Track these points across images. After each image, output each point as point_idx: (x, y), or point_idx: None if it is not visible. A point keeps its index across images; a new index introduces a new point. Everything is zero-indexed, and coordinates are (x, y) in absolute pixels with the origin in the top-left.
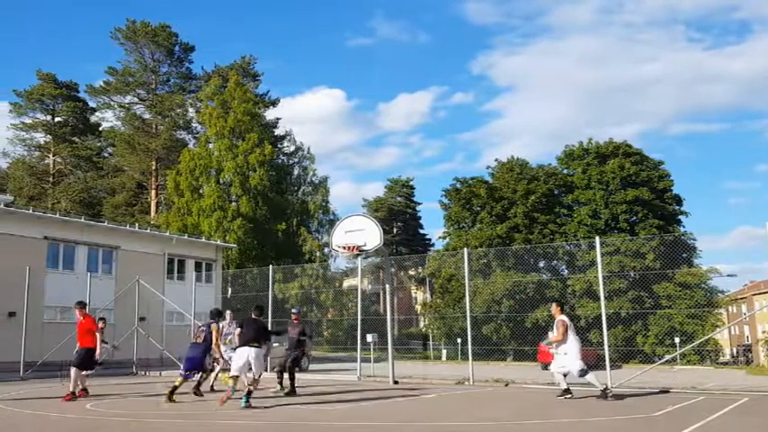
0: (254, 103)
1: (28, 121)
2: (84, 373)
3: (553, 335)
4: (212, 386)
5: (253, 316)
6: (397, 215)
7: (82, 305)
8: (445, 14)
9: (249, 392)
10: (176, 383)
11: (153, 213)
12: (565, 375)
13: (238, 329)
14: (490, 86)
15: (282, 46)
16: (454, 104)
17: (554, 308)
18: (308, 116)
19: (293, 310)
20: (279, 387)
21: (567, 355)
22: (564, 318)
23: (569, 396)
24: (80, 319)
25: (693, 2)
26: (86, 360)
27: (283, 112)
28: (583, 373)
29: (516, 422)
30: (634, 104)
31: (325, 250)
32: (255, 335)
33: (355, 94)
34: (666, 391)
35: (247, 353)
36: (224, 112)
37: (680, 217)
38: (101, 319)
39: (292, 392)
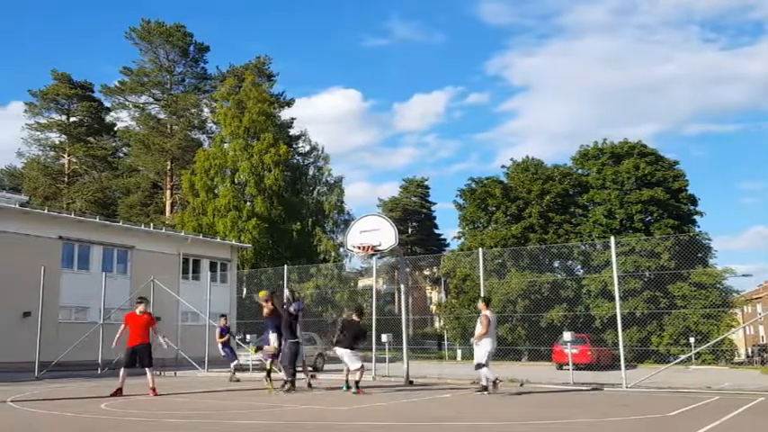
0: (269, 103)
1: (43, 121)
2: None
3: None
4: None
5: (354, 317)
6: (412, 215)
7: (145, 300)
8: (460, 15)
9: (355, 382)
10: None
11: (168, 213)
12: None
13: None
14: (505, 87)
15: (298, 47)
16: (470, 105)
17: (480, 303)
18: (323, 116)
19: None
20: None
21: (477, 347)
22: (488, 313)
23: (500, 382)
24: (141, 314)
25: (708, 2)
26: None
27: (299, 112)
28: (478, 366)
29: (531, 422)
30: (649, 105)
31: (340, 250)
32: (351, 342)
33: (371, 95)
34: (681, 391)
35: (341, 353)
36: (239, 112)
37: (695, 217)
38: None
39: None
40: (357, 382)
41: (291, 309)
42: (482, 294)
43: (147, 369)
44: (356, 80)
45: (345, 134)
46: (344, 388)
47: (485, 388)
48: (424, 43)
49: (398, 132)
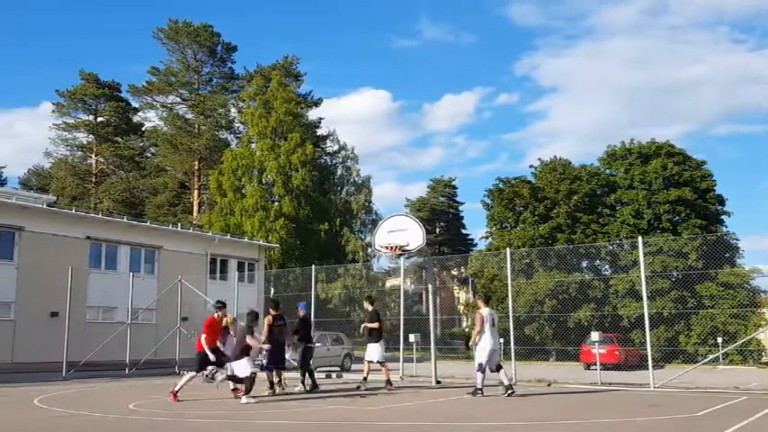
0: (297, 103)
1: (70, 121)
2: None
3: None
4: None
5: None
6: (440, 215)
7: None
8: (489, 16)
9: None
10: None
11: (195, 213)
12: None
13: None
14: (534, 87)
15: (328, 47)
16: (499, 105)
17: (478, 300)
18: (353, 117)
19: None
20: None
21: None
22: (482, 311)
23: (479, 394)
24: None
25: (737, 3)
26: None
27: (329, 112)
28: (479, 367)
29: (559, 422)
30: (677, 106)
31: (368, 250)
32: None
33: (401, 95)
34: (709, 391)
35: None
36: (266, 112)
37: (722, 217)
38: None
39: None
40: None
41: (301, 313)
42: (509, 294)
43: (187, 372)
44: (386, 81)
45: (375, 134)
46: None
47: (475, 392)
48: (454, 44)
49: (428, 133)
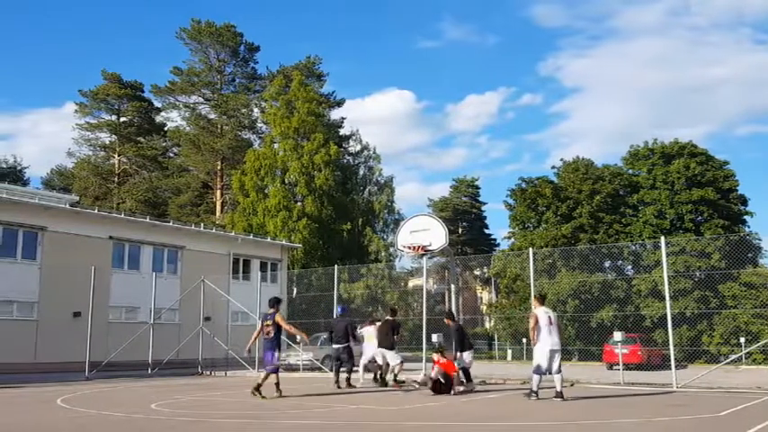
0: (319, 103)
1: (93, 121)
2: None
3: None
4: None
5: (388, 317)
6: (463, 215)
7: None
8: (513, 17)
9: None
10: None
11: (218, 213)
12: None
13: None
14: (558, 88)
15: (352, 49)
16: (522, 106)
17: (533, 300)
18: (377, 117)
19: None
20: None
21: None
22: (537, 310)
23: (534, 397)
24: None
25: (760, 4)
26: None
27: (354, 113)
28: (537, 369)
29: (582, 422)
30: (700, 106)
31: (391, 250)
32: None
33: (425, 96)
34: (731, 391)
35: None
36: (288, 112)
37: (745, 217)
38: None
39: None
40: (396, 376)
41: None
42: (532, 294)
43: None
44: (410, 81)
45: (399, 135)
46: (392, 379)
47: (530, 394)
48: (477, 45)
49: (451, 133)
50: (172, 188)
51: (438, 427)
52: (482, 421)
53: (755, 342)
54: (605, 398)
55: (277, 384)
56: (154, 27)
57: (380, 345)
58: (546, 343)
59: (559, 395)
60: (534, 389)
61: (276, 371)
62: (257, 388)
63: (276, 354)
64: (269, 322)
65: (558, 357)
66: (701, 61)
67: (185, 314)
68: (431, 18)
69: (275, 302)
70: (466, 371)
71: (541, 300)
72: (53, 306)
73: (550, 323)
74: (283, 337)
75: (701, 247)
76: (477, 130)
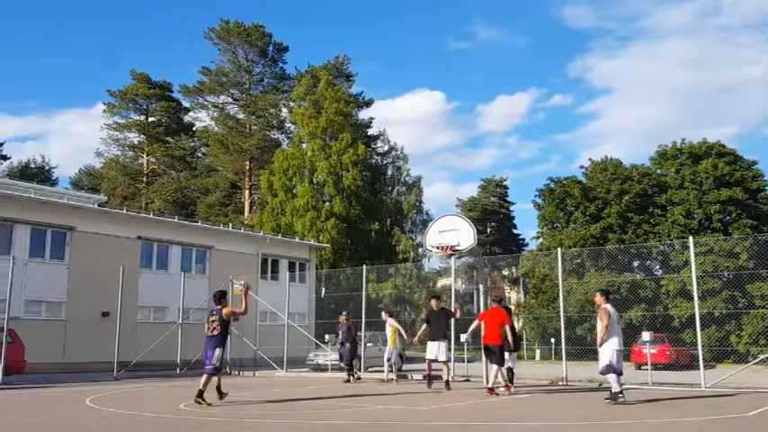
0: (347, 103)
1: (122, 121)
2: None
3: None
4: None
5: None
6: (491, 215)
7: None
8: (543, 18)
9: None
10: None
11: (247, 213)
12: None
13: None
14: (587, 89)
15: (383, 50)
16: (552, 106)
17: (598, 296)
18: (408, 117)
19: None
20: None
21: (602, 347)
22: (608, 306)
23: (621, 398)
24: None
25: None
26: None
27: (383, 113)
28: (607, 370)
29: (611, 422)
30: (729, 107)
31: (419, 250)
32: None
33: (455, 96)
34: (760, 391)
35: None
36: (316, 112)
37: None
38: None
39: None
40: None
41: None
42: (560, 294)
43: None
44: (441, 82)
45: (430, 135)
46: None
47: (616, 396)
48: (508, 46)
49: (481, 133)
50: (200, 188)
51: (462, 426)
52: (509, 421)
53: None
54: (634, 398)
55: (218, 388)
56: (182, 27)
57: (435, 337)
58: (616, 341)
59: (614, 397)
60: (617, 389)
61: (215, 372)
62: (200, 395)
63: (218, 352)
64: (214, 318)
65: (621, 357)
66: (731, 62)
67: None
68: (462, 20)
69: (221, 296)
70: (510, 371)
71: (607, 296)
72: (81, 306)
73: (618, 321)
74: (311, 337)
75: (730, 247)
76: (508, 131)
